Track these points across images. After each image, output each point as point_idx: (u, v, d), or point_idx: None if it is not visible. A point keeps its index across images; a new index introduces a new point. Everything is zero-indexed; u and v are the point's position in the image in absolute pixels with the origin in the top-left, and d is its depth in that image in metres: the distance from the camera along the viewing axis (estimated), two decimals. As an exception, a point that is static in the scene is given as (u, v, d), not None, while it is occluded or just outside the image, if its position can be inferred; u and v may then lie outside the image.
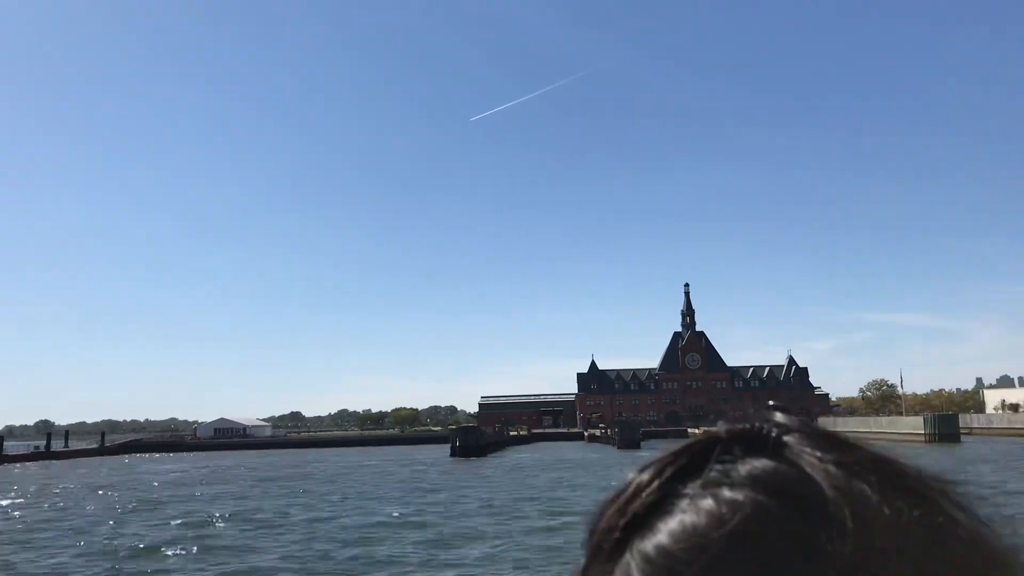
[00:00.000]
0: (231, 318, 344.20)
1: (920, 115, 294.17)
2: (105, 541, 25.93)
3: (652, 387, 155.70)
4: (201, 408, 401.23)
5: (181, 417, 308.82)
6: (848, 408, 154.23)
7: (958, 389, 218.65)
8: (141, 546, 24.63)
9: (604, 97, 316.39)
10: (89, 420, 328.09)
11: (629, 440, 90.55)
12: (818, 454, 0.60)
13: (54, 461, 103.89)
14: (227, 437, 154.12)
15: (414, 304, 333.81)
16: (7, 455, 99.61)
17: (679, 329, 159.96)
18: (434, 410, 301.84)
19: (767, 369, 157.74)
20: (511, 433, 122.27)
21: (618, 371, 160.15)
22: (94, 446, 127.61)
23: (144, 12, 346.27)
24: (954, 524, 0.58)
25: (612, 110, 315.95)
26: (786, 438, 0.62)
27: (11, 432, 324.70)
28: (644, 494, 0.62)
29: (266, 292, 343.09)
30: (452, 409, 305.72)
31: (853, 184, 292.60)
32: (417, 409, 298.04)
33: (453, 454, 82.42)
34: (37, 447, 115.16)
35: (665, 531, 0.58)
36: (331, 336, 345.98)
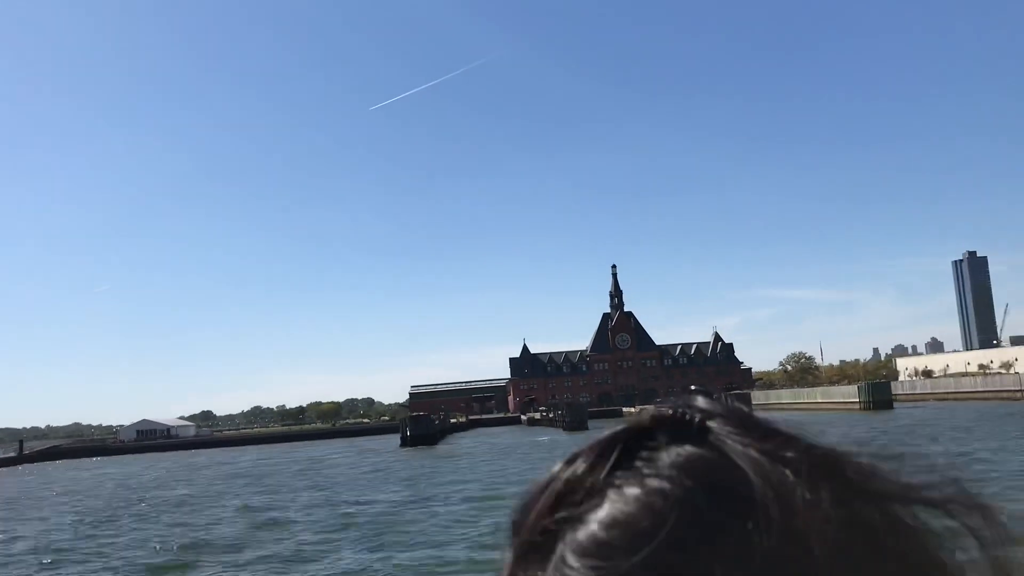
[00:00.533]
0: (123, 318, 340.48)
1: (810, 90, 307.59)
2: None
3: (584, 369, 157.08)
4: (105, 411, 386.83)
5: (85, 422, 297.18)
6: (767, 382, 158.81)
7: (866, 359, 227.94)
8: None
9: (500, 85, 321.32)
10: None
11: (577, 422, 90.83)
12: (742, 439, 0.59)
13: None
14: (151, 439, 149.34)
15: (326, 298, 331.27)
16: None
17: (608, 310, 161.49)
18: (351, 403, 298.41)
19: (694, 346, 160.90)
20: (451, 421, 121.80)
21: (550, 354, 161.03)
22: (12, 454, 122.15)
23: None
24: (880, 509, 0.57)
25: (509, 98, 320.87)
26: (710, 423, 0.62)
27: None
28: (577, 486, 0.61)
29: (160, 290, 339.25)
30: (370, 401, 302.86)
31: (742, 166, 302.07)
32: (339, 402, 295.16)
33: (404, 444, 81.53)
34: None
35: (597, 521, 0.58)
36: (235, 331, 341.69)
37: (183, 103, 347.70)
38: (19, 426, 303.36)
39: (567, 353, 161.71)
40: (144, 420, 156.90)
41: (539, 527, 0.61)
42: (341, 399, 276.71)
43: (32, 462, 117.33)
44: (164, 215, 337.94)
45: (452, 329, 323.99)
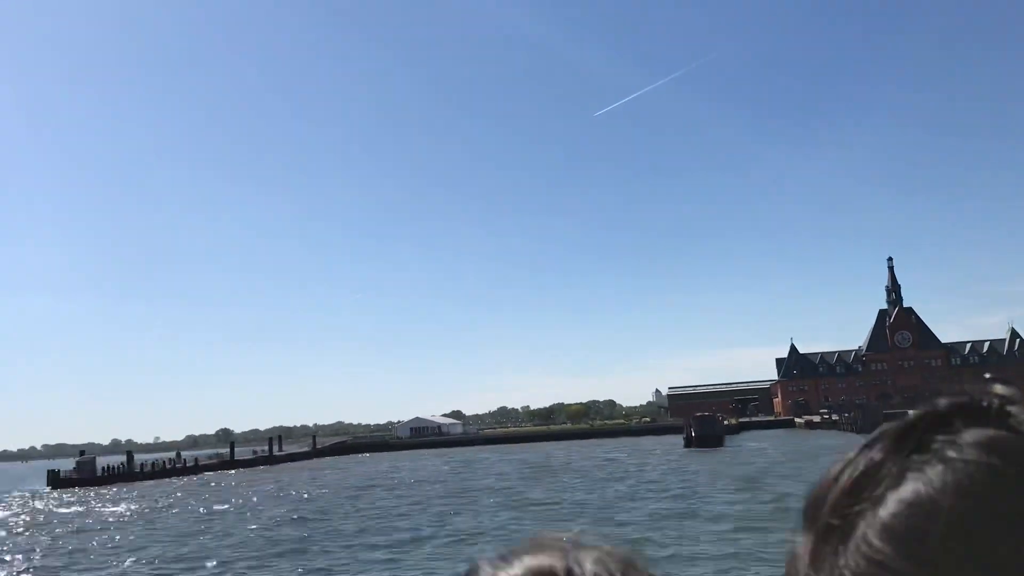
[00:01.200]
0: (375, 324, 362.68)
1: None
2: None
3: (859, 369, 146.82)
4: (360, 410, 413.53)
5: (346, 420, 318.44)
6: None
7: None
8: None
9: (734, 78, 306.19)
10: (261, 427, 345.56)
11: (871, 425, 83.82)
12: None
13: (282, 464, 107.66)
14: (423, 435, 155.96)
15: (559, 302, 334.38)
16: (238, 460, 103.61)
17: (884, 306, 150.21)
18: (594, 405, 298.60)
19: (987, 344, 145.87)
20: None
21: (821, 354, 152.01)
22: (307, 449, 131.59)
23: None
24: None
25: (745, 89, 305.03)
26: (1010, 408, 0.61)
27: (195, 441, 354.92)
28: (876, 470, 0.61)
29: (409, 296, 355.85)
30: (611, 403, 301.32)
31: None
32: (585, 403, 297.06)
33: (688, 444, 79.14)
34: (256, 451, 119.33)
35: (898, 501, 0.58)
36: (473, 336, 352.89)
37: (426, 124, 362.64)
38: (290, 424, 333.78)
39: (840, 353, 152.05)
40: (417, 418, 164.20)
41: (839, 510, 0.62)
42: (582, 401, 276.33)
43: (323, 456, 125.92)
44: (410, 222, 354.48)
45: (695, 331, 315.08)
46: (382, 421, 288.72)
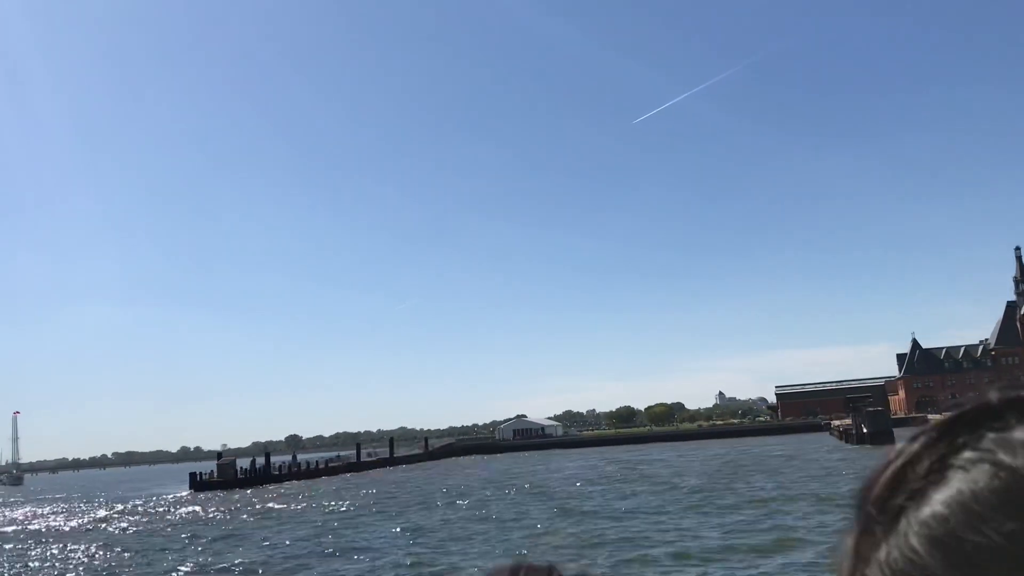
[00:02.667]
0: (426, 330, 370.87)
1: None
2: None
3: (989, 364, 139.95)
4: (418, 416, 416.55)
5: (409, 425, 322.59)
6: None
7: None
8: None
9: (784, 77, 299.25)
10: (325, 434, 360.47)
11: None
12: None
13: (408, 464, 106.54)
14: (526, 437, 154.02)
15: (605, 305, 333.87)
16: (363, 462, 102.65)
17: (1012, 298, 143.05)
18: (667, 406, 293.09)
19: None
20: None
21: (946, 349, 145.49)
22: (418, 451, 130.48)
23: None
24: None
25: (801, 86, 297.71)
26: None
27: (265, 447, 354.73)
28: (918, 464, 0.60)
29: (456, 302, 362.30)
30: (680, 405, 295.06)
31: None
32: (670, 404, 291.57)
33: (860, 441, 75.09)
34: (370, 453, 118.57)
35: (941, 500, 0.56)
36: (524, 341, 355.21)
37: (453, 124, 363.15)
38: (354, 430, 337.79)
39: (966, 347, 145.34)
40: (519, 418, 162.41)
41: (880, 503, 0.61)
42: (646, 404, 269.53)
43: (436, 458, 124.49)
44: (459, 230, 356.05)
45: (750, 333, 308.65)
46: (443, 426, 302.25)
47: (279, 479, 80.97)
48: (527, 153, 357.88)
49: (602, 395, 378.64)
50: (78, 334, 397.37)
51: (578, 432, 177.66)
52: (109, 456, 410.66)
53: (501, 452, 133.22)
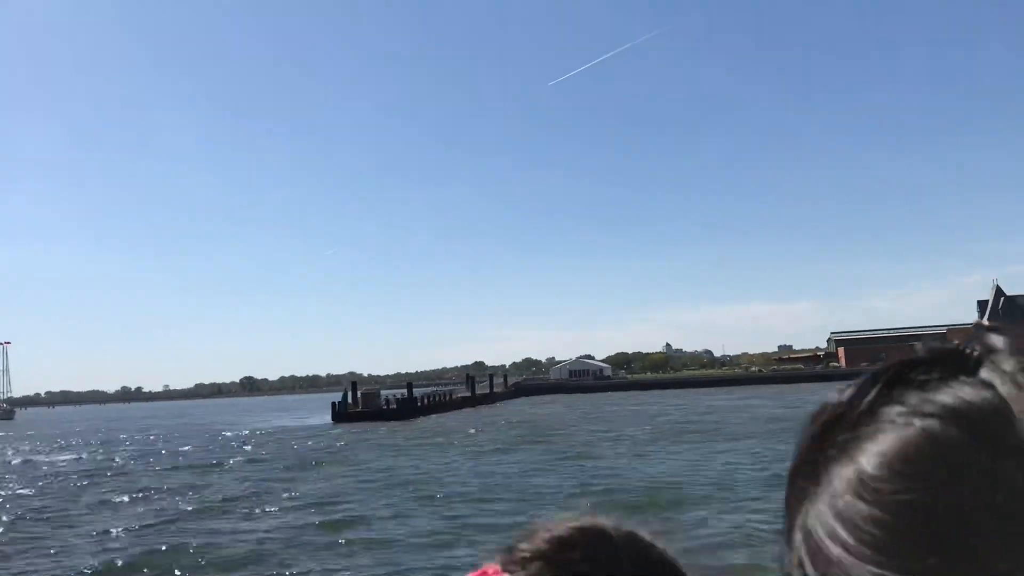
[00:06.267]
0: (365, 277, 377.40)
1: None
2: None
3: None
4: (369, 361, 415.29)
5: (357, 370, 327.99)
6: None
7: None
8: None
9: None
10: (272, 377, 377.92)
11: None
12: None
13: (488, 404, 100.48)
14: (581, 379, 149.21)
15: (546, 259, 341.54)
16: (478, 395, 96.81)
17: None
18: (678, 352, 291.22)
19: None
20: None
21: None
22: (501, 390, 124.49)
23: None
24: None
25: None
26: (992, 359, 0.59)
27: (219, 389, 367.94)
28: (845, 416, 0.61)
29: (402, 248, 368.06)
30: (678, 351, 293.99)
31: None
32: (680, 351, 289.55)
33: None
34: (449, 391, 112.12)
35: (864, 455, 0.58)
36: (472, 288, 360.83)
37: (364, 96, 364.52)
38: (302, 374, 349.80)
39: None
40: (579, 360, 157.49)
41: (808, 454, 0.63)
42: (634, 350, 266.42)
43: (513, 397, 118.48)
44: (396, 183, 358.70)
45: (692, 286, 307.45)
46: (395, 371, 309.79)
47: (427, 411, 73.95)
48: (474, 100, 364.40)
49: (556, 345, 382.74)
50: (10, 273, 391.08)
51: (635, 375, 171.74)
52: (43, 395, 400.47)
53: (569, 392, 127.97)
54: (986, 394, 0.56)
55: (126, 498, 26.05)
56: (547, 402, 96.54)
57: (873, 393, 0.61)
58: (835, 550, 0.58)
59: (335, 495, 24.87)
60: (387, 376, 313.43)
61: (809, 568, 0.60)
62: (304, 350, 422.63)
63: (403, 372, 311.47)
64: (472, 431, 50.30)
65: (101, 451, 48.53)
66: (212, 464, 36.59)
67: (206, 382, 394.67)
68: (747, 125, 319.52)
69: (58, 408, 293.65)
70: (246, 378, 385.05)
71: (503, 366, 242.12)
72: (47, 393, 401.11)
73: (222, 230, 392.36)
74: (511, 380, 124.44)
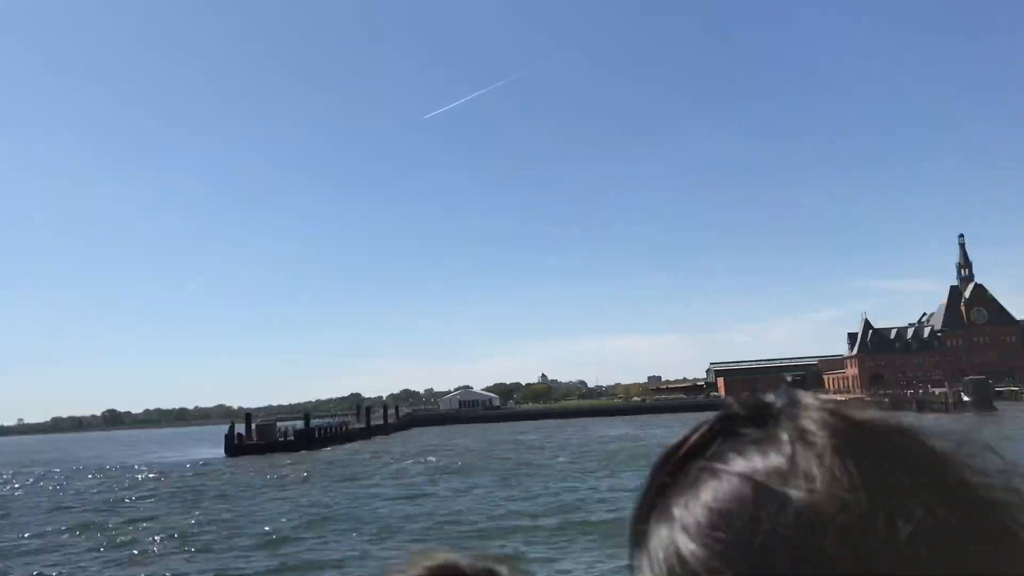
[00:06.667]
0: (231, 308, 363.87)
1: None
2: None
3: (935, 345, 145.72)
4: (242, 393, 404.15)
5: (226, 403, 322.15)
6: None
7: None
8: None
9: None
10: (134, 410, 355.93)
11: (984, 401, 79.11)
12: (823, 439, 0.58)
13: (395, 434, 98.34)
14: (472, 409, 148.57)
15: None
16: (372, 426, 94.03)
17: (955, 283, 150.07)
18: (554, 383, 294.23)
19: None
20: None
21: (897, 328, 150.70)
22: (380, 422, 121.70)
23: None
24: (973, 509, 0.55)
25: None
26: (797, 419, 0.61)
27: (80, 423, 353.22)
28: (665, 466, 0.64)
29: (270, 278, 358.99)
30: (554, 381, 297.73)
31: None
32: (555, 382, 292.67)
33: (959, 409, 73.89)
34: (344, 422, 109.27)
35: (677, 506, 0.60)
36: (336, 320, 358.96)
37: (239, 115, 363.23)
38: (168, 407, 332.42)
39: (915, 327, 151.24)
40: (465, 390, 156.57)
41: (644, 500, 0.64)
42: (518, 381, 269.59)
43: (403, 429, 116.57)
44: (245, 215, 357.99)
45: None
46: (263, 403, 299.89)
47: (322, 443, 71.87)
48: (344, 132, 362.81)
49: (432, 376, 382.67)
50: None
51: (521, 406, 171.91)
52: None
53: (461, 423, 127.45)
54: (783, 447, 0.59)
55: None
56: (451, 433, 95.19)
57: (685, 448, 0.63)
58: None
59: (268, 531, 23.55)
60: (259, 408, 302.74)
61: None
62: (168, 383, 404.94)
63: (274, 404, 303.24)
64: (433, 459, 50.03)
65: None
66: (120, 504, 34.41)
67: (64, 415, 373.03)
68: (616, 162, 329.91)
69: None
70: (109, 411, 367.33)
71: (380, 398, 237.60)
72: None
73: (80, 256, 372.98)
74: (391, 412, 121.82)
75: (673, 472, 0.63)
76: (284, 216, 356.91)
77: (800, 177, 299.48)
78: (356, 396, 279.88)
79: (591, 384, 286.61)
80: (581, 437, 68.66)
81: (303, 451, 65.37)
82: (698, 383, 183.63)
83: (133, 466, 61.51)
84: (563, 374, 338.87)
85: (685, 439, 0.64)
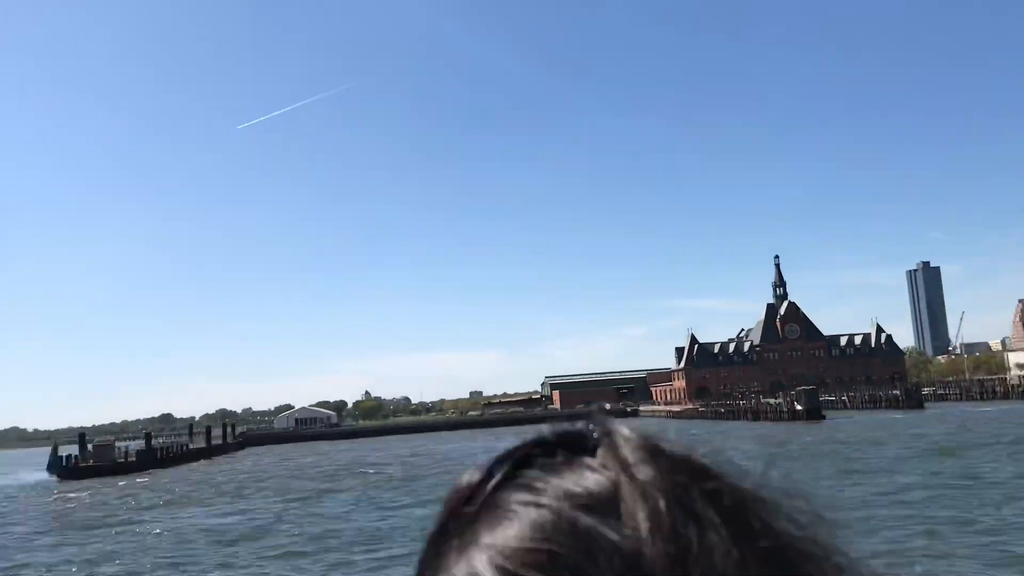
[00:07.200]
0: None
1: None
2: None
3: (754, 359, 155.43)
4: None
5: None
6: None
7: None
8: None
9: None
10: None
11: (815, 411, 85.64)
12: (646, 475, 0.59)
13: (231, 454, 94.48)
14: (310, 427, 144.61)
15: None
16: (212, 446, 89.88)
17: (771, 301, 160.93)
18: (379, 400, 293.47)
19: (859, 337, 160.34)
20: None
21: (720, 343, 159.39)
22: (217, 442, 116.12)
23: None
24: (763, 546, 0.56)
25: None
26: (610, 445, 0.62)
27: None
28: (471, 501, 0.62)
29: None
30: (377, 398, 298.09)
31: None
32: (380, 398, 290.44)
33: (792, 418, 78.81)
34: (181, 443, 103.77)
35: (488, 540, 0.58)
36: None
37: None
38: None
39: (737, 341, 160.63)
40: (304, 408, 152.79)
41: (435, 540, 0.62)
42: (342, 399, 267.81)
43: (242, 448, 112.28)
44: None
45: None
46: (75, 425, 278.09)
47: (164, 463, 68.41)
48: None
49: (247, 395, 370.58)
50: None
51: (359, 422, 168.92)
52: None
53: (302, 441, 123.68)
54: (601, 479, 0.59)
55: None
56: (299, 452, 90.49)
57: (498, 477, 0.62)
58: None
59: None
60: (58, 431, 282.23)
61: None
62: None
63: (75, 426, 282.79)
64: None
65: None
66: None
67: None
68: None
69: None
70: None
71: (193, 418, 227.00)
72: None
73: None
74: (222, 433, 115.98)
75: (479, 501, 0.61)
76: (76, 224, 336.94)
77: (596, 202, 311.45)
78: (167, 416, 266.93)
79: (415, 400, 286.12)
80: (460, 451, 66.91)
81: (150, 470, 61.77)
82: (533, 396, 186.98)
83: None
84: (386, 391, 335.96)
85: (495, 464, 0.63)
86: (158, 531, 28.11)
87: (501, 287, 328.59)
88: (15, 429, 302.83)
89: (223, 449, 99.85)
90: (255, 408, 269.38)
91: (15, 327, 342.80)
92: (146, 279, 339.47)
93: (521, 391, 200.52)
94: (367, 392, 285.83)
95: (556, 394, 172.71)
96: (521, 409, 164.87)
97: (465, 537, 0.60)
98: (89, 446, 67.40)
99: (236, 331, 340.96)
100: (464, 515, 0.61)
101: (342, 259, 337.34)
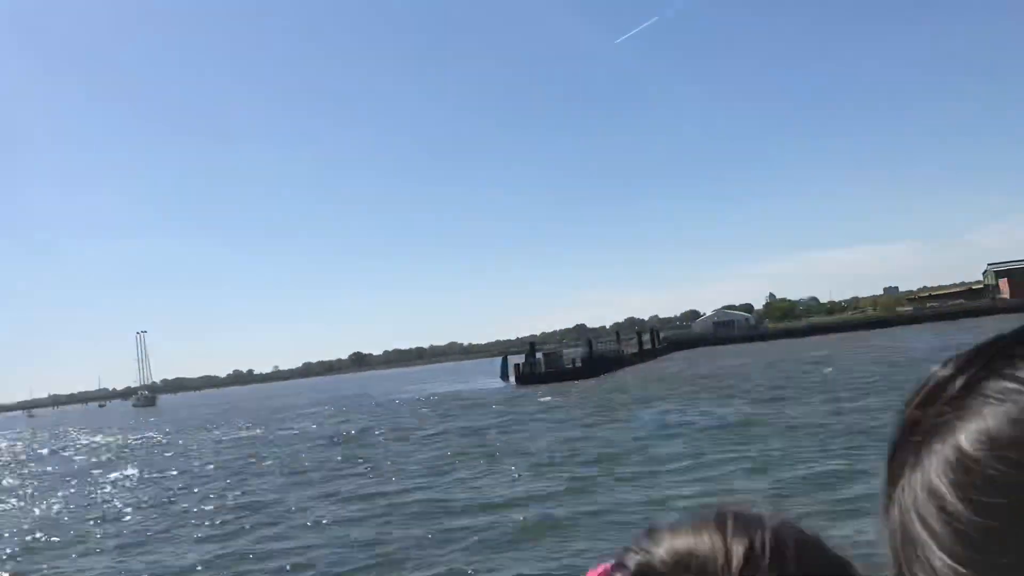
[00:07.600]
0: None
1: None
2: None
3: None
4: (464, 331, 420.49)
5: (442, 341, 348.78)
6: None
7: None
8: None
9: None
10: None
11: None
12: None
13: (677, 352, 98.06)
14: (727, 330, 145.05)
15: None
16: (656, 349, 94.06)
17: None
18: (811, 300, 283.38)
19: None
20: None
21: None
22: (648, 347, 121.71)
23: None
24: None
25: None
26: None
27: (331, 367, 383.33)
28: (945, 390, 0.59)
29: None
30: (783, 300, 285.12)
31: None
32: (794, 301, 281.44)
33: None
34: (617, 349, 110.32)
35: (965, 433, 0.55)
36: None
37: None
38: (404, 347, 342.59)
39: None
40: (723, 310, 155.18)
41: (909, 427, 0.61)
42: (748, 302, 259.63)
43: (667, 352, 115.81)
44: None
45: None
46: (483, 340, 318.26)
47: (604, 369, 72.40)
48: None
49: (654, 304, 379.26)
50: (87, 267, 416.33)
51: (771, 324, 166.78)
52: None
53: (723, 343, 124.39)
54: None
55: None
56: (724, 354, 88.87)
57: (976, 368, 0.58)
58: (922, 534, 0.56)
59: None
60: (491, 344, 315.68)
61: (898, 545, 0.59)
62: (400, 325, 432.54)
63: (501, 339, 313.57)
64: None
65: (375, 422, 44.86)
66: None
67: (313, 360, 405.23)
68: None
69: (205, 392, 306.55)
70: (355, 354, 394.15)
71: (604, 327, 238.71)
72: (163, 381, 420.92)
73: (320, 214, 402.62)
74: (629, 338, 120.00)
75: (938, 397, 0.59)
76: (501, 165, 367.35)
77: None
78: (581, 327, 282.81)
79: (823, 300, 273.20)
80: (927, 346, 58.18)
81: (591, 377, 65.67)
82: (973, 287, 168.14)
83: (449, 393, 65.78)
84: (790, 292, 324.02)
85: (973, 355, 0.59)
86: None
87: (923, 173, 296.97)
88: (453, 344, 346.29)
89: (653, 353, 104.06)
90: (661, 315, 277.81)
91: (450, 254, 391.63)
92: (568, 197, 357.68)
93: (944, 283, 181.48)
94: (772, 294, 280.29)
95: (1004, 282, 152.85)
96: (962, 301, 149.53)
97: (944, 424, 0.57)
98: (538, 354, 74.08)
99: (640, 239, 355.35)
100: (941, 402, 0.58)
101: (737, 158, 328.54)
